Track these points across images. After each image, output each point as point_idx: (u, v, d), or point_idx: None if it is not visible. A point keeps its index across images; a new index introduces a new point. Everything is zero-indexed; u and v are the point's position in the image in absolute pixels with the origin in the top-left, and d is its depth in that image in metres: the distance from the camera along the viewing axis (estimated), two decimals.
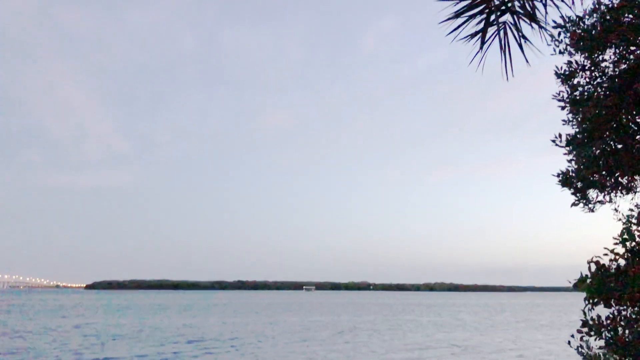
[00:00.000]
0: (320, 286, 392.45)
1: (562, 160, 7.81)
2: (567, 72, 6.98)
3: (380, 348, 28.66)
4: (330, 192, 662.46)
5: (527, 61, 3.86)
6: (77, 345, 28.79)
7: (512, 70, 3.84)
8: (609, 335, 7.11)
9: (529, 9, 3.73)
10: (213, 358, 23.84)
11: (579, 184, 7.62)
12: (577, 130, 7.05)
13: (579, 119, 6.88)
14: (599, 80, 6.80)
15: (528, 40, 3.82)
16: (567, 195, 7.79)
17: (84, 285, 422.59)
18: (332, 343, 31.34)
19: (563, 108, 7.08)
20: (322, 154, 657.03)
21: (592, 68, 6.73)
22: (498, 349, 29.16)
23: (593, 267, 6.90)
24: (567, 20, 6.46)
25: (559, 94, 7.03)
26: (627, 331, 7.02)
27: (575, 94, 6.90)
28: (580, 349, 8.75)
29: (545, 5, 3.74)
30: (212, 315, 63.35)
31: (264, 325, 45.71)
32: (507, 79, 3.79)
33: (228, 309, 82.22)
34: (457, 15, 3.79)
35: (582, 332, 8.26)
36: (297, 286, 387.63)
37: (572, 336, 8.76)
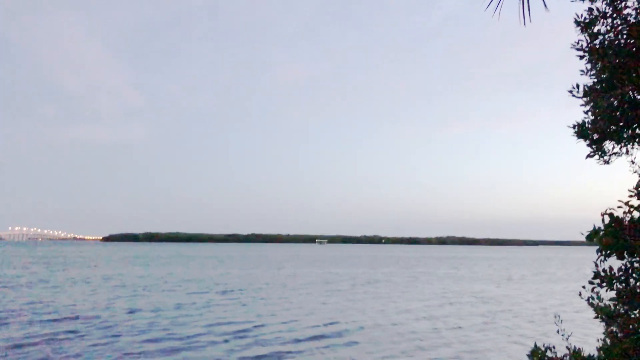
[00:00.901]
0: (332, 240, 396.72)
1: (578, 114, 7.62)
2: (587, 20, 6.75)
3: (416, 300, 29.05)
4: (342, 146, 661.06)
5: (545, 5, 3.72)
6: (112, 295, 29.28)
7: (529, 15, 3.71)
8: (621, 287, 7.12)
9: None
10: (246, 309, 24.13)
11: (595, 136, 7.47)
12: (596, 80, 6.88)
13: (598, 69, 6.69)
14: (620, 28, 6.57)
15: None
16: (583, 148, 7.67)
17: (100, 238, 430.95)
18: (360, 294, 31.84)
19: (582, 57, 6.88)
20: (334, 107, 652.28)
21: (614, 15, 6.50)
22: (520, 301, 29.47)
23: (607, 219, 6.85)
24: None
25: (577, 43, 6.82)
26: (638, 283, 7.02)
27: (595, 42, 6.70)
28: (590, 300, 8.79)
29: None
30: (233, 267, 64.49)
31: (286, 277, 46.51)
32: (525, 24, 3.66)
33: (247, 261, 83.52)
34: None
35: (593, 284, 8.28)
36: (309, 239, 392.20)
37: (584, 287, 8.79)
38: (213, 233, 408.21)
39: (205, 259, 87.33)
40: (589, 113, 7.59)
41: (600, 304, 8.70)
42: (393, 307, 25.28)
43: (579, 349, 9.80)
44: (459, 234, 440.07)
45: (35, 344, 15.06)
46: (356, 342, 15.80)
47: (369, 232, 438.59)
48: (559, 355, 9.91)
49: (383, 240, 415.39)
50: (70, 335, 16.72)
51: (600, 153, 7.78)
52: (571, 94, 7.33)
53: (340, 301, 27.52)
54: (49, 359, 13.17)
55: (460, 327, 19.69)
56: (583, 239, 8.16)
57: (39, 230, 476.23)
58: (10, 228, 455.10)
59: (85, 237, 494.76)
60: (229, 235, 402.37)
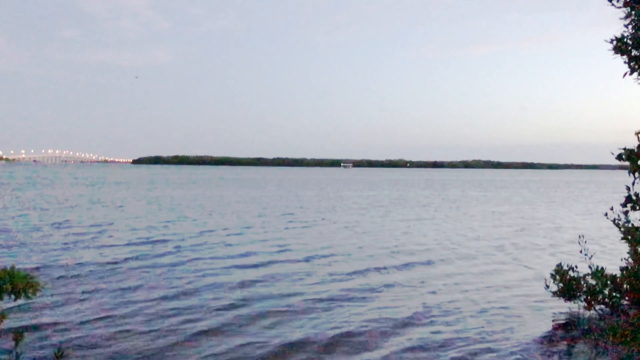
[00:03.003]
0: (357, 164, 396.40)
1: (616, 31, 7.22)
2: None
3: (462, 222, 29.41)
4: (367, 69, 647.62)
5: None
6: (172, 216, 29.72)
7: None
8: None
9: None
10: (314, 232, 23.88)
11: (635, 52, 7.11)
12: None
13: None
14: None
15: None
16: (618, 68, 7.37)
17: (131, 160, 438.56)
18: (411, 216, 32.15)
19: None
20: (358, 28, 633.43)
21: None
22: (559, 222, 29.75)
23: None
24: None
25: None
26: None
27: None
28: (617, 221, 8.77)
29: None
30: (274, 189, 65.11)
31: (334, 199, 46.79)
32: None
33: (284, 183, 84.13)
34: None
35: (625, 207, 8.23)
36: (334, 163, 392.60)
37: (612, 209, 8.74)
38: (240, 157, 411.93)
39: (243, 182, 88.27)
40: (629, 27, 7.19)
41: (627, 224, 8.69)
42: (443, 229, 25.58)
43: (601, 268, 9.91)
44: (484, 157, 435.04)
45: (118, 266, 14.97)
46: (429, 263, 16.13)
47: (394, 156, 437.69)
48: (581, 274, 10.04)
49: (408, 164, 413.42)
50: (150, 256, 16.56)
51: (639, 71, 7.44)
52: (610, 3, 6.92)
53: (398, 224, 27.76)
54: (131, 280, 13.19)
55: (509, 246, 20.17)
56: (614, 162, 8.04)
57: (71, 153, 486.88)
58: (43, 151, 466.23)
59: (116, 160, 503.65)
60: (256, 159, 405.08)
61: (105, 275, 13.70)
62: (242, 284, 12.83)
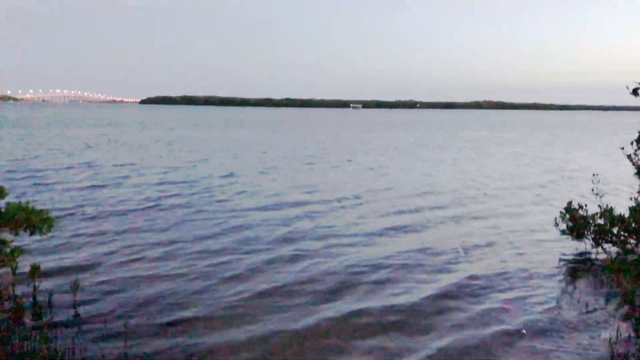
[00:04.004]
0: (366, 104, 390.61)
1: None
2: None
3: (487, 162, 29.54)
4: (377, 8, 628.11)
5: None
6: (194, 158, 29.58)
7: None
8: None
9: None
10: (345, 177, 22.95)
11: None
12: None
13: None
14: None
15: None
16: (633, 12, 7.53)
17: (138, 101, 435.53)
18: (434, 159, 31.84)
19: None
20: None
21: None
22: (580, 163, 30.11)
23: None
24: None
25: None
26: None
27: None
28: (633, 156, 9.32)
29: None
30: (290, 130, 65.00)
31: (351, 142, 46.36)
32: None
33: (297, 125, 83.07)
34: None
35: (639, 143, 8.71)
36: (342, 104, 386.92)
37: (632, 143, 9.25)
38: (248, 97, 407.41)
39: (257, 123, 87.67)
40: None
41: None
42: (472, 172, 25.62)
43: (611, 207, 10.43)
44: (495, 98, 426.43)
45: (147, 207, 14.90)
46: (457, 217, 15.26)
47: (403, 97, 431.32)
48: (590, 213, 10.58)
49: (418, 105, 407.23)
50: (180, 198, 16.41)
51: None
52: None
53: (424, 167, 27.64)
54: (159, 221, 13.11)
55: (539, 188, 20.39)
56: (627, 104, 8.49)
57: (80, 92, 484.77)
58: (51, 91, 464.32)
59: (124, 100, 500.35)
60: (264, 100, 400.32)
61: (133, 217, 13.50)
62: (279, 236, 12.09)
